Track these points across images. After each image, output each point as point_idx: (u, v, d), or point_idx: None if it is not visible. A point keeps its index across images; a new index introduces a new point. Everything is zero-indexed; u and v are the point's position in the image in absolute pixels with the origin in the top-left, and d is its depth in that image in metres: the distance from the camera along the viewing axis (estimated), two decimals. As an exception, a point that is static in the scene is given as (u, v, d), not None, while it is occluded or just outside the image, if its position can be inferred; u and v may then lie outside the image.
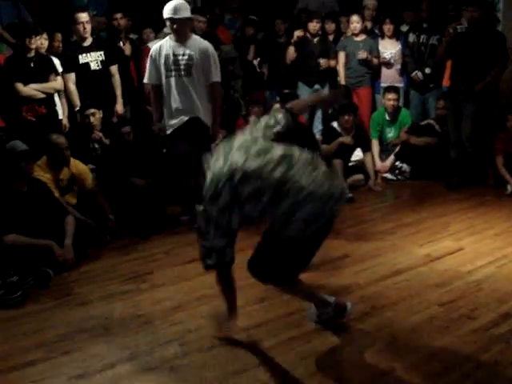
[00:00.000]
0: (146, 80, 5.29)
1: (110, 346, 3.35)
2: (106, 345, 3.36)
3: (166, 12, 4.94)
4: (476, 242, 4.78)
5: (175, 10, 4.90)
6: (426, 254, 4.54)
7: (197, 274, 4.21)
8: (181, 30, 4.98)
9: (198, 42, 5.14)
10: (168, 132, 5.21)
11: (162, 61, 5.07)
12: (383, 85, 7.29)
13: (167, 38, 5.17)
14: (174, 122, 5.15)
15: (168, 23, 5.03)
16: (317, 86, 7.38)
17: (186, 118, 5.11)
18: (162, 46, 5.11)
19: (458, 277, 4.11)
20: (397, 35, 7.39)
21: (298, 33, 7.23)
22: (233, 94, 7.03)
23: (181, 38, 5.03)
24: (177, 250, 4.79)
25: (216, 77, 5.16)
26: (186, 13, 4.97)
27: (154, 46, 5.20)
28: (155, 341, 3.37)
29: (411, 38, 7.15)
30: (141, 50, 6.76)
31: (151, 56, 5.16)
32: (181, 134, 5.11)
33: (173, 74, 5.07)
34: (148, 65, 5.21)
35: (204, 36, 6.69)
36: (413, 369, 2.98)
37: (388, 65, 7.32)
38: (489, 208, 5.70)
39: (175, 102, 5.11)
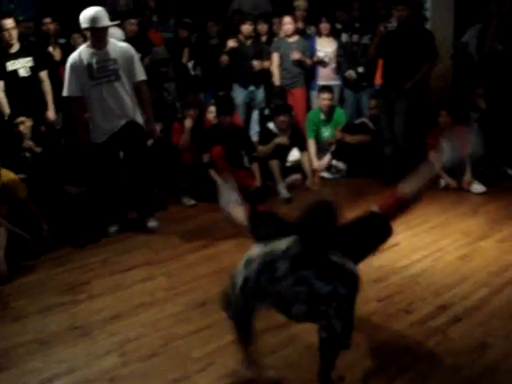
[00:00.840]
0: (66, 93, 4.95)
1: (46, 360, 3.26)
2: (43, 359, 3.27)
3: (86, 22, 4.75)
4: (412, 237, 4.87)
5: (95, 19, 4.73)
6: (363, 250, 4.59)
7: (134, 282, 4.18)
8: (103, 38, 4.85)
9: (117, 45, 5.01)
10: (103, 139, 5.03)
11: (85, 71, 4.86)
12: (320, 83, 7.35)
13: (83, 46, 4.96)
14: (108, 127, 5.01)
15: (88, 33, 4.86)
16: (251, 88, 7.39)
17: (123, 122, 5.01)
18: (81, 55, 4.88)
19: (394, 272, 4.19)
20: (333, 34, 7.46)
21: (231, 43, 7.22)
22: (166, 97, 6.95)
23: (101, 45, 4.88)
24: (114, 258, 4.70)
25: (142, 75, 5.09)
26: (106, 21, 4.82)
27: (72, 57, 4.92)
28: (93, 352, 3.30)
29: (344, 37, 7.25)
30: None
31: (71, 67, 4.88)
32: (118, 140, 5.03)
33: (102, 81, 4.90)
34: (67, 77, 4.91)
35: (135, 39, 6.65)
36: (353, 365, 3.01)
37: (323, 63, 7.39)
38: (423, 202, 5.69)
39: (108, 108, 4.96)
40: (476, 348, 3.17)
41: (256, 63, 7.29)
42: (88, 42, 4.91)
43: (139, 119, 5.14)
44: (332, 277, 2.50)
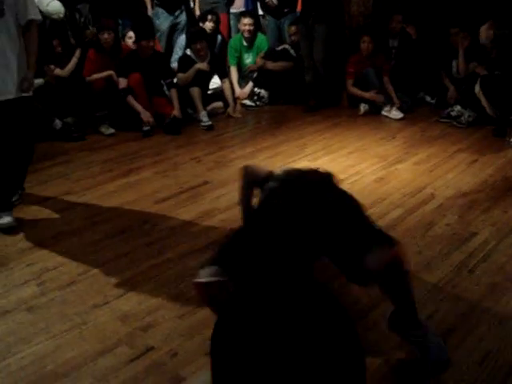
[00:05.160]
0: None
1: (-39, 292, 3.18)
2: (-43, 292, 3.19)
3: None
4: (331, 161, 4.95)
5: None
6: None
7: (53, 212, 4.09)
8: None
9: None
10: None
11: None
12: (235, 11, 7.23)
13: None
14: None
15: None
16: (177, 13, 7.17)
17: (5, 95, 3.68)
18: None
19: (313, 195, 4.26)
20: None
21: None
22: (79, 19, 6.65)
23: None
24: (31, 189, 4.54)
25: (34, 14, 3.78)
26: None
27: None
28: (11, 283, 3.23)
29: (264, -39, 7.12)
30: None
31: None
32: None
33: None
34: None
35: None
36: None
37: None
38: (343, 128, 5.92)
39: None
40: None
41: None
42: None
43: (22, 73, 3.75)
44: None
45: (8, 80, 3.67)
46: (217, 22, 7.05)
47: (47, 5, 5.95)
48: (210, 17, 6.99)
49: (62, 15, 6.06)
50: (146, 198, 4.21)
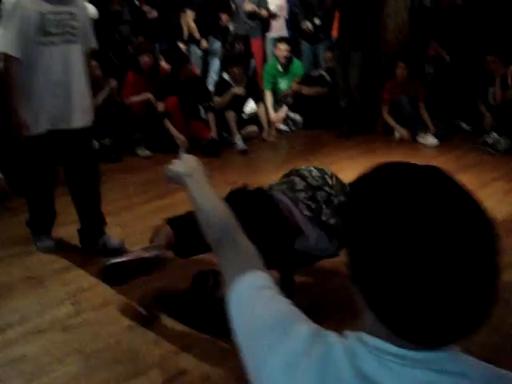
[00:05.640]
0: (5, 48, 3.39)
1: (-1, 310, 3.24)
2: (-5, 309, 3.25)
3: None
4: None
5: None
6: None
7: (88, 232, 4.13)
8: None
9: None
10: (42, 130, 3.59)
11: (36, 21, 3.39)
12: (272, 36, 7.30)
13: None
14: (54, 112, 3.59)
15: None
16: (210, 38, 7.28)
17: (77, 121, 3.67)
18: (27, 1, 3.40)
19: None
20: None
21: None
22: (117, 38, 6.74)
23: None
24: (67, 209, 4.59)
25: (94, 42, 3.82)
26: None
27: (20, 2, 3.37)
28: (46, 302, 3.29)
29: (300, -12, 7.18)
30: None
31: (14, 13, 3.36)
32: (62, 144, 3.72)
33: (57, 40, 3.48)
34: (6, 26, 3.38)
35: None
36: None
37: (274, 16, 7.32)
38: (378, 155, 5.90)
39: (58, 81, 3.54)
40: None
41: (224, 16, 7.18)
42: None
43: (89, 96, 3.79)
44: None
45: (78, 108, 3.67)
46: (247, 46, 7.13)
47: None
48: (239, 41, 7.09)
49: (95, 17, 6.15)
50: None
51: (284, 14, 7.35)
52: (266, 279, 1.02)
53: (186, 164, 1.38)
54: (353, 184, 0.91)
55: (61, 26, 3.48)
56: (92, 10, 4.63)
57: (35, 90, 3.48)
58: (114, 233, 4.04)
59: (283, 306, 0.97)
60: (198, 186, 1.31)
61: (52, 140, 3.63)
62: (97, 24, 4.99)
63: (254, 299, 0.99)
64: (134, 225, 4.30)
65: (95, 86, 6.03)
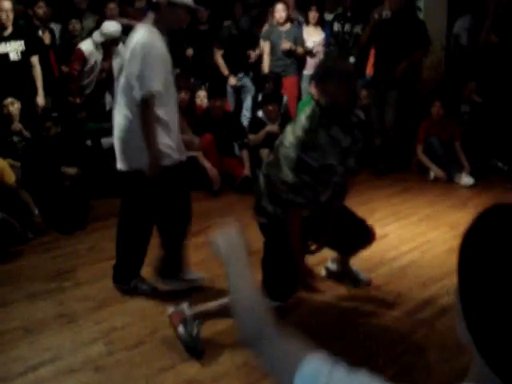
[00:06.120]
0: (157, 87, 3.39)
1: (31, 347, 3.24)
2: (28, 346, 3.25)
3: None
4: (400, 228, 4.88)
5: None
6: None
7: (122, 270, 4.13)
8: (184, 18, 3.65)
9: None
10: (183, 157, 3.70)
11: (166, 58, 3.55)
12: (307, 73, 7.32)
13: (148, 29, 3.46)
14: (176, 144, 3.64)
15: (182, 12, 3.53)
16: (240, 75, 7.33)
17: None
18: (155, 39, 3.46)
19: (383, 263, 4.19)
20: (321, 23, 7.42)
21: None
22: None
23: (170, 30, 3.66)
24: (101, 244, 4.66)
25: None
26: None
27: (153, 42, 3.44)
28: (79, 340, 3.28)
29: (336, 26, 7.20)
30: (71, 46, 6.53)
31: (161, 55, 3.47)
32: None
33: (172, 76, 3.69)
34: (155, 67, 3.39)
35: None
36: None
37: (311, 54, 7.35)
38: (413, 194, 5.83)
39: (175, 112, 3.66)
40: (462, 341, 3.18)
41: (253, 54, 7.24)
42: (152, 25, 3.47)
43: None
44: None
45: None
46: (278, 84, 7.15)
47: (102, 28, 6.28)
48: (271, 79, 7.13)
49: (118, 34, 6.27)
50: (214, 259, 4.20)
51: (321, 49, 7.36)
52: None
53: (226, 241, 1.41)
54: (469, 229, 0.95)
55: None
56: None
57: (169, 123, 3.54)
58: (145, 272, 4.02)
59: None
60: (236, 271, 1.36)
61: (178, 170, 3.65)
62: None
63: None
64: (167, 262, 4.27)
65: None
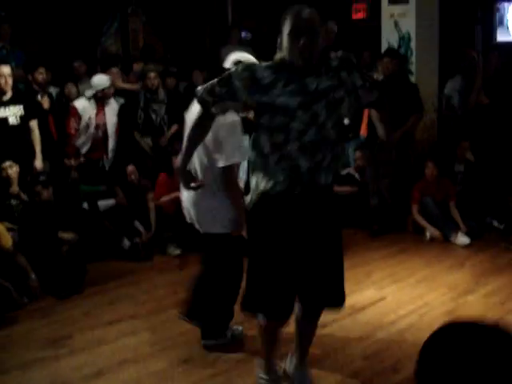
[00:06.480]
0: (238, 158, 3.70)
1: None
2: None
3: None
4: (398, 291, 4.86)
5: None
6: (350, 304, 4.52)
7: (117, 337, 4.11)
8: None
9: None
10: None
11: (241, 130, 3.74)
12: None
13: None
14: None
15: None
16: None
17: None
18: None
19: (381, 328, 4.16)
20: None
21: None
22: (155, 119, 6.88)
23: None
24: (97, 310, 4.62)
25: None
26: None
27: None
28: (74, 412, 3.23)
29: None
30: (66, 107, 6.63)
31: (237, 126, 3.66)
32: None
33: None
34: (238, 136, 3.63)
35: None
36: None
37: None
38: (409, 255, 5.84)
39: None
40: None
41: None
42: None
43: None
44: None
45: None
46: None
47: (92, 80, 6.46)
48: None
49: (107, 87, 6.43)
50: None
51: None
52: None
53: None
54: (425, 344, 1.14)
55: None
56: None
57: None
58: (143, 338, 3.99)
59: None
60: None
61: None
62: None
63: None
64: (164, 328, 4.24)
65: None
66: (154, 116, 6.82)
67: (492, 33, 9.93)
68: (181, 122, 7.01)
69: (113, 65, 7.38)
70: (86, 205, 6.11)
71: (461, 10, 9.43)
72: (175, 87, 7.60)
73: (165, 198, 6.10)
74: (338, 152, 3.00)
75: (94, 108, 6.50)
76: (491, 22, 9.85)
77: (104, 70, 7.12)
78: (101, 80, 6.48)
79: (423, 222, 6.33)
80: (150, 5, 9.46)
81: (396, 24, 6.83)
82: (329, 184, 2.99)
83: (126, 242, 5.85)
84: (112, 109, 6.66)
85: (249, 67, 2.89)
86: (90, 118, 6.47)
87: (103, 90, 6.44)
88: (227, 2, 10.03)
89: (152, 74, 6.77)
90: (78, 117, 6.43)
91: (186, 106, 7.26)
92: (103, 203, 6.06)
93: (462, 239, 6.11)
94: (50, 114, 6.61)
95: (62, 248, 5.31)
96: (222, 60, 5.53)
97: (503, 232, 6.38)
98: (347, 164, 7.32)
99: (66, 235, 5.36)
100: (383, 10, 6.99)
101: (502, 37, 8.74)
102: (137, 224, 6.08)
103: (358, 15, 10.64)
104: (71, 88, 6.82)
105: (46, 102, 6.59)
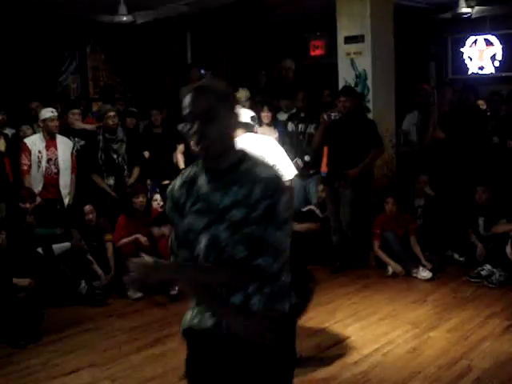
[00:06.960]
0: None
1: None
2: None
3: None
4: (362, 329, 4.83)
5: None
6: (315, 344, 4.52)
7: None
8: None
9: None
10: None
11: None
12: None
13: None
14: None
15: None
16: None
17: None
18: None
19: (345, 368, 4.12)
20: (274, 123, 7.56)
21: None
22: (116, 159, 6.78)
23: None
24: (56, 360, 4.46)
25: None
26: None
27: None
28: None
29: (290, 126, 7.32)
30: (18, 145, 6.54)
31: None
32: None
33: None
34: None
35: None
36: None
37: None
38: (372, 291, 5.83)
39: None
40: None
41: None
42: None
43: None
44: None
45: None
46: None
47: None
48: None
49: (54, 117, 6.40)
50: (172, 373, 4.04)
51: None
52: None
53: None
54: None
55: None
56: None
57: None
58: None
59: None
60: None
61: None
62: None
63: None
64: (124, 377, 4.12)
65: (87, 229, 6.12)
66: (114, 156, 6.74)
67: (445, 68, 10.23)
68: (140, 162, 7.05)
69: (74, 106, 7.35)
70: (40, 249, 5.95)
71: (415, 46, 9.69)
72: (135, 126, 7.59)
73: (124, 240, 6.01)
74: None
75: (43, 141, 6.40)
76: (445, 57, 10.16)
77: (65, 112, 7.06)
78: (46, 112, 6.42)
79: (385, 258, 6.36)
80: (109, 44, 9.45)
81: (352, 62, 6.92)
82: None
83: (84, 287, 5.71)
84: (65, 144, 6.57)
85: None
86: (40, 152, 6.36)
87: (45, 120, 6.36)
88: (186, 42, 10.08)
89: (111, 113, 6.72)
90: (28, 152, 6.34)
91: (145, 145, 7.37)
92: (58, 246, 5.90)
93: (424, 274, 6.14)
94: (5, 155, 6.49)
95: (19, 295, 5.15)
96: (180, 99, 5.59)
97: (464, 264, 6.44)
98: (308, 201, 7.32)
99: (21, 281, 5.19)
100: (339, 49, 7.08)
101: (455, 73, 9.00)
102: (95, 267, 5.96)
103: (317, 52, 10.84)
104: (26, 130, 6.76)
105: (1, 145, 6.48)
